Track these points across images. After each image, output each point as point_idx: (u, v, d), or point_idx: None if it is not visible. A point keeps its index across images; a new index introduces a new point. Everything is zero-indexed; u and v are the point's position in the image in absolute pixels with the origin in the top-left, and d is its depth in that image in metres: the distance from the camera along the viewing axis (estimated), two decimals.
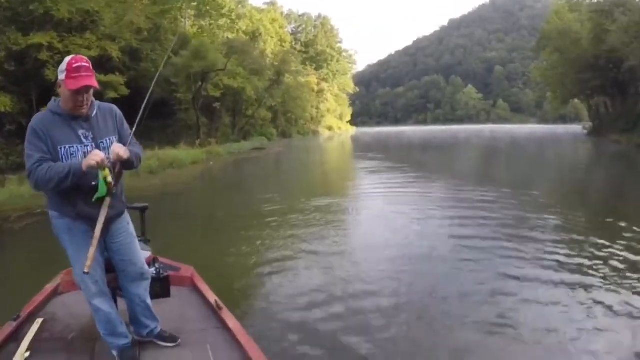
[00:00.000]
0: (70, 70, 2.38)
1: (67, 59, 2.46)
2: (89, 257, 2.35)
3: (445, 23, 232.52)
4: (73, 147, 2.46)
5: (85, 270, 2.34)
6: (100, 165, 2.32)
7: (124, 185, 2.81)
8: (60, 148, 2.43)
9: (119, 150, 2.46)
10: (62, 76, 2.41)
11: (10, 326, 3.21)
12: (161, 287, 3.61)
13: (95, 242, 2.39)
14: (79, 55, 2.59)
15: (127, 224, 2.83)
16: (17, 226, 10.37)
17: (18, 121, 22.91)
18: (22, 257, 8.59)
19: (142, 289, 2.92)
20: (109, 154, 2.45)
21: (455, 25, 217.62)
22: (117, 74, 23.75)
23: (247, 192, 15.23)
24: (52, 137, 2.42)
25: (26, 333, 3.18)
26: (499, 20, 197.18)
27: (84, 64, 2.42)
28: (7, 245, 9.45)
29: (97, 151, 2.40)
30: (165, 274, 3.66)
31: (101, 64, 22.64)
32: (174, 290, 3.74)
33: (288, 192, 14.69)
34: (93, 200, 2.42)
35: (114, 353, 2.78)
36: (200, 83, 31.63)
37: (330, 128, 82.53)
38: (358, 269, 6.17)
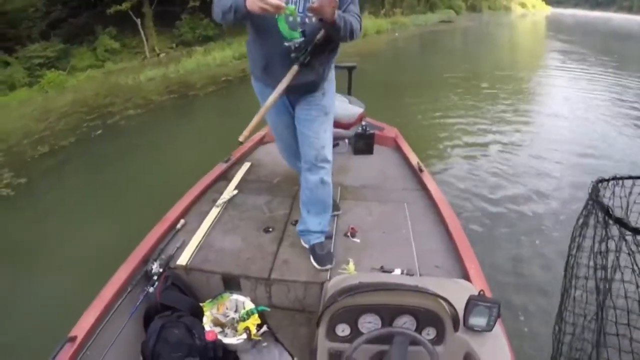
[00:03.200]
0: None
1: None
2: (250, 126, 2.09)
3: None
4: None
5: (240, 139, 2.07)
6: (273, 11, 1.94)
7: (333, 56, 2.44)
8: None
9: (325, 1, 1.91)
10: None
11: (221, 167, 3.89)
12: (365, 144, 4.04)
13: (267, 105, 2.14)
14: None
15: (322, 95, 2.51)
16: (202, 92, 11.72)
17: None
18: (213, 116, 9.73)
19: (313, 175, 2.61)
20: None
21: None
22: None
23: (435, 64, 15.00)
24: None
25: (235, 173, 3.80)
26: None
27: None
28: (195, 109, 10.58)
29: None
30: (371, 131, 4.03)
31: None
32: (377, 148, 4.13)
33: (479, 67, 14.30)
34: (285, 42, 2.16)
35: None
36: None
37: (523, 5, 73.90)
38: (539, 162, 5.92)
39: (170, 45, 23.65)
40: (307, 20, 2.17)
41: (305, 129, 2.52)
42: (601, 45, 26.79)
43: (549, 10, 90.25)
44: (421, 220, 3.06)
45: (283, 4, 1.94)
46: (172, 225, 3.06)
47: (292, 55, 2.18)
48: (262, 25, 2.20)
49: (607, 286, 1.82)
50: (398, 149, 4.15)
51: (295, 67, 2.15)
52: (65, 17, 23.51)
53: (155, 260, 2.68)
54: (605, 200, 1.90)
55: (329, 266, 2.65)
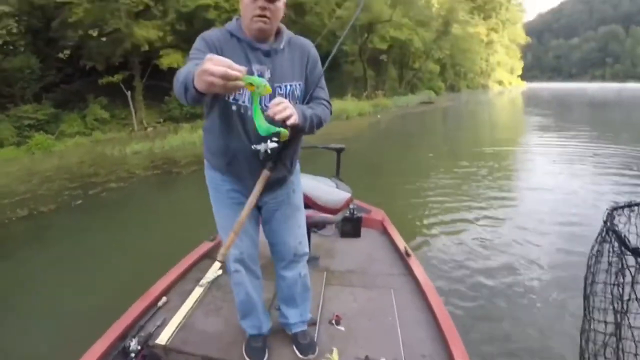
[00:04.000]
0: None
1: None
2: (227, 243, 1.78)
3: None
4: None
5: (219, 259, 1.76)
6: (231, 89, 1.45)
7: (299, 148, 2.25)
8: None
9: (285, 110, 1.73)
10: None
11: (206, 245, 3.73)
12: (352, 227, 3.97)
13: (240, 220, 1.80)
14: None
15: (292, 192, 2.32)
16: (185, 171, 11.25)
17: None
18: (195, 195, 8.77)
19: (290, 272, 2.49)
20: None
21: None
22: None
23: (419, 144, 15.03)
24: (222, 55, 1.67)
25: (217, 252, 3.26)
26: None
27: None
28: (178, 186, 10.16)
29: (226, 62, 1.42)
30: (359, 215, 3.97)
31: None
32: (364, 231, 4.04)
33: (461, 146, 14.30)
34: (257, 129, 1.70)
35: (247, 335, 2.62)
36: (366, 35, 30.76)
37: (500, 82, 77.32)
38: (529, 236, 5.93)
39: (158, 120, 24.44)
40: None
41: (279, 230, 2.34)
42: (577, 116, 27.55)
43: (525, 85, 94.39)
44: (408, 307, 2.99)
45: (241, 73, 1.44)
46: (154, 302, 3.01)
47: (261, 157, 1.98)
48: (223, 114, 1.96)
49: (624, 318, 1.76)
50: (385, 232, 4.07)
51: (266, 172, 1.92)
52: (59, 82, 24.49)
53: (134, 337, 2.62)
54: (620, 228, 1.85)
55: (311, 356, 2.54)
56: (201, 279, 3.29)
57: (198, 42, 1.95)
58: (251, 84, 1.49)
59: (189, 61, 1.84)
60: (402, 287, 3.19)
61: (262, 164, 1.96)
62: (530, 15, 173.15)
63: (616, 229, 1.80)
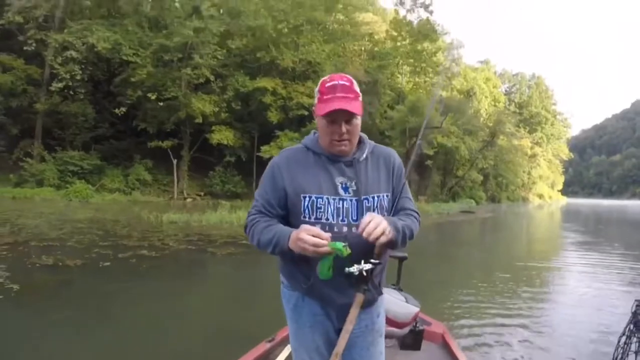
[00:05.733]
0: (322, 91, 1.75)
1: (323, 78, 1.78)
2: None
3: None
4: (322, 198, 1.77)
5: None
6: (321, 254, 1.60)
7: (385, 265, 2.03)
8: (304, 197, 1.77)
9: (378, 227, 1.61)
10: (315, 99, 1.80)
11: (263, 347, 3.40)
12: (414, 340, 3.69)
13: (338, 351, 1.68)
14: (340, 73, 1.85)
15: (377, 317, 2.07)
16: (220, 252, 10.59)
17: (237, 154, 25.62)
18: (229, 281, 8.63)
19: None
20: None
21: None
22: None
23: (456, 254, 14.44)
24: (295, 182, 1.78)
25: (277, 355, 3.30)
26: None
27: (342, 82, 1.73)
28: (212, 268, 9.62)
29: (316, 232, 1.59)
30: (421, 327, 3.71)
31: None
32: (424, 344, 3.78)
33: (501, 258, 13.86)
34: (319, 274, 1.71)
35: None
36: (414, 139, 30.99)
37: (540, 196, 76.62)
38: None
39: (199, 192, 24.78)
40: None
41: (361, 356, 2.09)
42: (615, 234, 27.07)
43: (565, 200, 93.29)
44: None
45: (328, 248, 1.60)
46: None
47: (354, 280, 1.80)
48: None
49: None
50: (446, 345, 3.97)
51: (360, 296, 1.78)
52: (109, 136, 25.36)
53: None
54: None
55: None
56: None
57: (266, 173, 1.87)
58: (333, 249, 1.60)
59: (254, 202, 1.87)
60: None
61: (355, 287, 1.78)
62: (573, 131, 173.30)
63: None
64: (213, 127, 24.18)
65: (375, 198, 1.84)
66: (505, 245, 18.95)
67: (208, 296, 7.40)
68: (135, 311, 6.00)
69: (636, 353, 1.72)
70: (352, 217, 1.78)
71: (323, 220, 1.77)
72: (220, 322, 5.78)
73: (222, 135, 23.93)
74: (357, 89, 1.78)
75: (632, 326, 1.86)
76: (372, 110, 28.15)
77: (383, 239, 1.64)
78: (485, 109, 55.65)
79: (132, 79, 22.78)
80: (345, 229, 1.77)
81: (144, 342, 4.91)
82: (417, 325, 3.70)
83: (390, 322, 3.15)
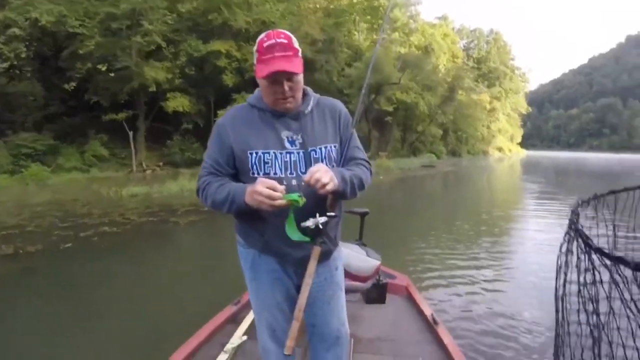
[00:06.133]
0: (260, 50, 1.72)
1: (260, 36, 1.77)
2: (291, 334, 1.66)
3: (622, 39, 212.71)
4: (269, 153, 1.78)
5: (287, 352, 1.64)
6: (277, 207, 1.63)
7: (341, 218, 2.06)
8: (251, 153, 1.78)
9: (320, 175, 1.64)
10: (254, 59, 1.77)
11: (230, 309, 3.51)
12: (378, 293, 3.87)
13: (300, 306, 1.72)
14: (277, 30, 1.80)
15: (335, 270, 2.11)
16: (183, 221, 10.58)
17: (195, 121, 25.39)
18: (193, 250, 8.69)
19: (332, 356, 2.19)
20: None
21: (633, 42, 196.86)
22: None
23: (422, 208, 14.88)
24: (240, 139, 1.80)
25: (244, 317, 3.40)
26: None
27: (279, 40, 1.71)
28: (175, 238, 9.50)
29: (271, 184, 1.62)
30: (384, 281, 3.88)
31: None
32: (389, 297, 3.94)
33: (467, 210, 14.30)
34: (287, 233, 1.75)
35: None
36: (373, 96, 31.01)
37: (500, 149, 78.14)
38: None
39: (158, 163, 24.21)
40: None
41: (321, 311, 2.13)
42: (573, 184, 27.69)
43: (524, 153, 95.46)
44: None
45: (283, 201, 1.63)
46: None
47: (309, 233, 1.81)
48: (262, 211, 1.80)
49: (600, 319, 1.64)
50: (410, 298, 4.04)
51: (317, 248, 1.80)
52: (61, 114, 24.34)
53: None
54: (587, 227, 1.74)
55: None
56: (226, 344, 3.16)
57: (213, 134, 1.88)
58: (289, 200, 1.64)
59: (203, 163, 1.88)
60: (431, 355, 3.09)
61: (311, 240, 1.80)
62: (532, 85, 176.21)
63: (580, 227, 1.69)
64: (168, 95, 23.51)
65: (323, 149, 1.86)
66: (467, 197, 19.35)
67: (173, 266, 7.36)
68: (102, 289, 5.93)
69: (578, 272, 1.66)
70: (300, 170, 1.80)
71: (271, 175, 1.78)
72: (187, 290, 5.82)
73: (178, 103, 23.34)
74: (296, 44, 1.77)
75: (572, 232, 1.80)
76: (329, 68, 27.95)
77: (329, 187, 1.66)
78: (444, 65, 55.79)
79: (80, 52, 21.78)
80: (294, 181, 1.79)
81: (112, 318, 4.91)
82: (381, 278, 3.81)
83: (352, 276, 3.18)
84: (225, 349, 3.10)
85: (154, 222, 10.58)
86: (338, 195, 1.79)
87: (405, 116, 40.03)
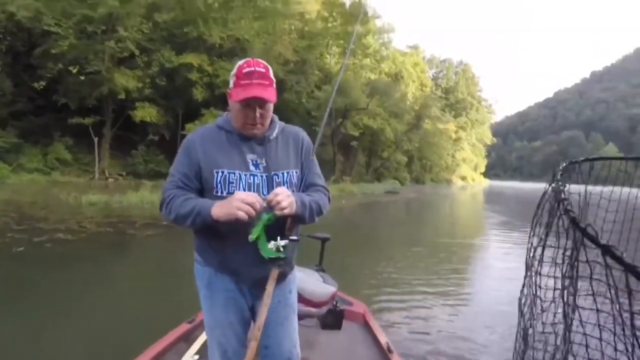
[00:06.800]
0: (239, 76, 1.83)
1: (240, 62, 1.88)
2: (249, 354, 1.76)
3: (587, 75, 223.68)
4: (234, 173, 1.86)
5: None
6: (243, 220, 1.69)
7: (298, 242, 2.01)
8: (217, 172, 1.86)
9: (282, 197, 1.74)
10: (230, 83, 1.87)
11: (183, 327, 3.42)
12: (334, 320, 3.81)
13: (258, 325, 1.81)
14: (256, 59, 1.91)
15: (289, 293, 2.16)
16: (140, 234, 10.45)
17: (161, 133, 25.15)
18: (148, 265, 8.39)
19: None
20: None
21: (597, 78, 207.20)
22: None
23: (382, 237, 14.40)
24: (208, 157, 1.88)
25: (197, 336, 3.31)
26: None
27: (258, 69, 1.84)
28: (131, 251, 9.40)
29: (243, 195, 1.73)
30: (341, 307, 3.80)
31: None
32: (345, 324, 3.86)
33: (426, 237, 14.23)
34: (263, 254, 1.83)
35: None
36: (340, 119, 31.51)
37: (463, 178, 79.84)
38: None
39: (121, 172, 24.07)
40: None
41: (274, 333, 2.15)
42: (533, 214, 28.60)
43: (488, 182, 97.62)
44: None
45: (259, 205, 1.71)
46: None
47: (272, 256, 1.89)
48: (227, 228, 1.86)
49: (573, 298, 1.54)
50: (367, 325, 4.00)
51: (275, 271, 1.87)
52: (28, 112, 23.96)
53: None
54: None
55: None
56: None
57: (181, 150, 1.94)
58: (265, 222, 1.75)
59: (170, 177, 1.90)
60: None
61: (270, 262, 1.87)
62: (497, 117, 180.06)
63: (567, 202, 1.49)
64: (136, 104, 23.39)
65: (285, 174, 1.95)
66: (428, 224, 19.58)
67: (127, 279, 7.26)
68: (48, 296, 5.84)
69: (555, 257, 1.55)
70: (262, 192, 1.87)
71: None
72: (139, 306, 5.73)
73: (146, 112, 23.26)
74: (272, 75, 1.87)
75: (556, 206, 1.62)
76: (299, 89, 28.33)
77: (288, 211, 1.74)
78: (413, 93, 56.85)
79: (53, 51, 21.57)
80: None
81: (56, 329, 4.82)
82: (337, 305, 3.81)
83: (307, 301, 3.25)
84: None
85: (110, 233, 10.43)
86: (297, 219, 1.87)
87: (371, 141, 40.62)
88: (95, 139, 22.84)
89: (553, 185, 1.76)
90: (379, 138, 39.43)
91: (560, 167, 1.93)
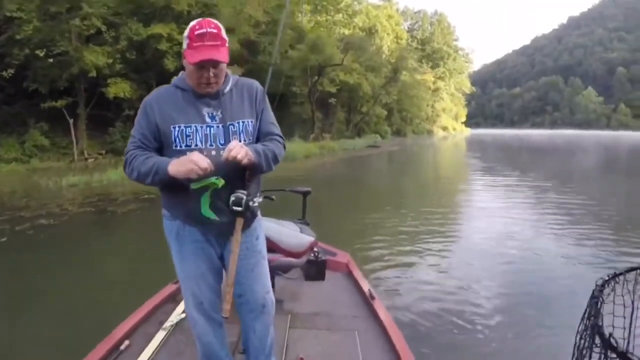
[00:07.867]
0: (191, 37, 1.89)
1: (192, 23, 1.94)
2: (226, 298, 1.95)
3: (565, 21, 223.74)
4: (190, 126, 1.96)
5: (224, 315, 1.96)
6: (198, 176, 1.82)
7: (258, 190, 2.21)
8: (174, 127, 1.95)
9: (235, 150, 1.84)
10: (184, 44, 1.93)
11: (169, 288, 3.58)
12: (317, 270, 3.96)
13: (231, 273, 1.97)
14: (208, 19, 1.98)
15: (256, 240, 2.25)
16: (120, 210, 10.61)
17: (136, 107, 23.90)
18: (129, 238, 8.65)
19: (260, 324, 2.35)
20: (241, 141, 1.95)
21: (575, 24, 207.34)
22: (236, 66, 23.98)
23: (365, 189, 14.88)
24: (165, 115, 1.97)
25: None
26: (621, 18, 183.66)
27: (210, 29, 1.88)
28: (112, 228, 9.55)
29: (196, 156, 1.82)
30: (323, 258, 3.96)
31: None
32: (329, 274, 4.02)
33: (408, 189, 14.57)
34: (202, 212, 1.97)
35: None
36: (316, 77, 31.50)
37: (444, 128, 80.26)
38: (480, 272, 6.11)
39: (100, 151, 23.80)
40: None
41: (246, 280, 2.22)
42: (515, 160, 28.62)
43: (469, 131, 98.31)
44: (372, 349, 2.93)
45: (211, 166, 1.82)
46: (116, 346, 2.88)
47: (232, 205, 1.98)
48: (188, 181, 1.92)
49: None
50: (350, 274, 4.10)
51: (240, 220, 1.97)
52: (0, 102, 23.24)
53: None
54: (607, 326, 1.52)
55: None
56: (165, 321, 3.22)
57: (140, 111, 2.03)
58: (210, 184, 1.85)
59: (131, 138, 2.00)
60: (367, 329, 3.15)
61: (234, 213, 1.97)
62: (476, 65, 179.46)
63: (599, 324, 1.48)
64: (108, 81, 22.84)
65: (241, 123, 2.03)
66: (411, 173, 19.88)
67: (110, 254, 7.44)
68: (37, 280, 5.96)
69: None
70: (219, 142, 1.97)
71: (193, 147, 1.95)
72: (125, 274, 6.04)
73: (119, 88, 22.77)
74: (225, 35, 1.94)
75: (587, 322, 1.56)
76: (272, 50, 28.09)
77: (245, 161, 1.85)
78: (388, 46, 56.55)
79: (18, 37, 20.88)
80: (214, 152, 1.95)
81: (48, 303, 5.05)
82: (320, 255, 3.95)
83: (285, 252, 3.32)
84: (163, 326, 3.15)
85: (91, 213, 10.57)
86: (254, 168, 1.97)
87: (349, 97, 40.57)
88: (71, 121, 22.42)
89: (590, 308, 1.57)
90: (356, 93, 39.36)
91: (598, 283, 1.65)
